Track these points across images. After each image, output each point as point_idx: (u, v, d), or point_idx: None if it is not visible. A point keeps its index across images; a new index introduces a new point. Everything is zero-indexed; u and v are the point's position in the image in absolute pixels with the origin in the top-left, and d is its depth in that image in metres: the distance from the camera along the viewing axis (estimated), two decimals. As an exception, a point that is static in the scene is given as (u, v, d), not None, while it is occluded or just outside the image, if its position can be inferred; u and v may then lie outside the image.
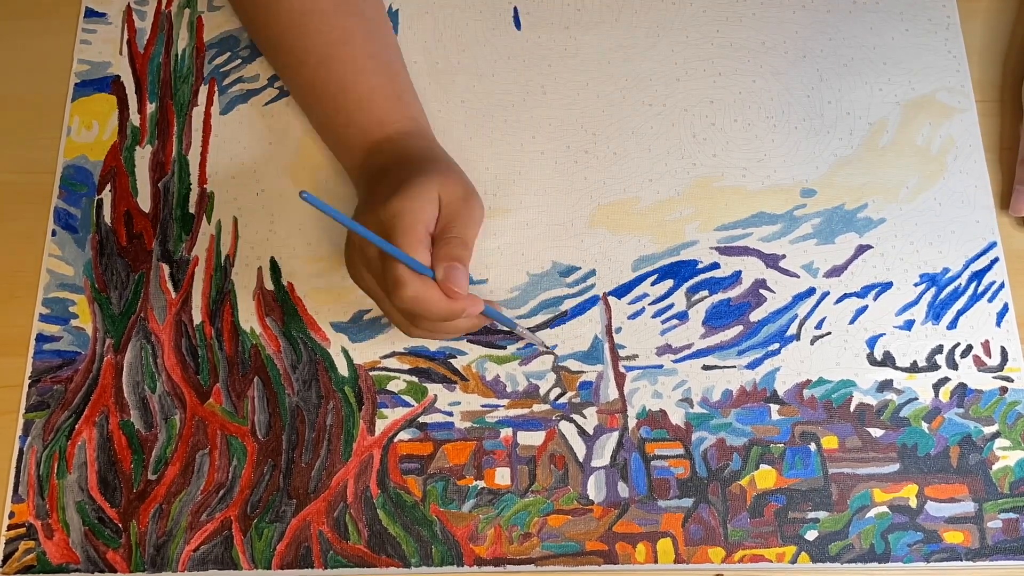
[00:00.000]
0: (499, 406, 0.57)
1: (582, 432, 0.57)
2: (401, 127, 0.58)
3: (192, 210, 0.62)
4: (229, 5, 0.66)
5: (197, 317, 0.60)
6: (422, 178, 0.52)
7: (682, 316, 0.59)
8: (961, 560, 0.54)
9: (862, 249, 0.60)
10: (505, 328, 0.58)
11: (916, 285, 0.60)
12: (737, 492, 0.56)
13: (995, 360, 0.58)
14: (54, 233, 0.61)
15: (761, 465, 0.56)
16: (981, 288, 0.60)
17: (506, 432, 0.57)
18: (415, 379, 0.58)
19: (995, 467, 0.56)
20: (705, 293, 0.60)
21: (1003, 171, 0.62)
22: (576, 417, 0.57)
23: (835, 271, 0.60)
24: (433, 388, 0.58)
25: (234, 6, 0.63)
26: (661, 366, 0.58)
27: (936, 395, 0.57)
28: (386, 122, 0.57)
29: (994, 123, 0.64)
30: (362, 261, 0.52)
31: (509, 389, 0.58)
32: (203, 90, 0.65)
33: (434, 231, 0.51)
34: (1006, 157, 0.62)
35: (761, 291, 0.60)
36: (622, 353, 0.58)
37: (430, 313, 0.49)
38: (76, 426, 0.57)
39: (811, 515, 0.55)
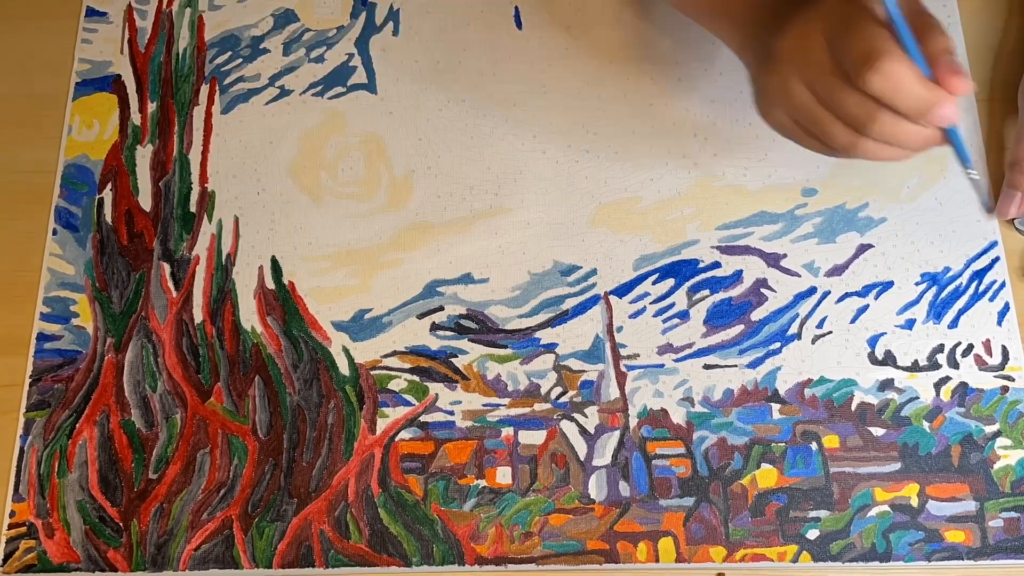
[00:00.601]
0: (500, 405, 0.57)
1: (583, 431, 0.57)
2: None
3: (193, 209, 0.62)
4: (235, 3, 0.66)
5: (198, 316, 0.59)
6: None
7: (683, 315, 0.59)
8: (962, 559, 0.54)
9: (863, 248, 0.60)
10: (958, 161, 0.50)
11: (917, 284, 0.60)
12: (738, 491, 0.55)
13: (996, 359, 0.58)
14: (55, 232, 0.61)
15: (762, 464, 0.56)
16: (982, 287, 0.60)
17: (507, 431, 0.57)
18: (416, 378, 0.58)
19: (996, 466, 0.56)
20: (706, 292, 0.60)
21: (1003, 171, 0.62)
22: (577, 416, 0.57)
23: (836, 270, 0.60)
24: (434, 387, 0.58)
25: None
26: (662, 365, 0.58)
27: (937, 394, 0.57)
28: None
29: (995, 123, 0.64)
30: (797, 69, 0.46)
31: (510, 388, 0.58)
32: (204, 89, 0.65)
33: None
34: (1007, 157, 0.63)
35: (762, 290, 0.60)
36: (623, 352, 0.58)
37: (905, 97, 0.42)
38: (77, 425, 0.57)
39: (812, 514, 0.55)
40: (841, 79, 0.44)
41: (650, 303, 0.60)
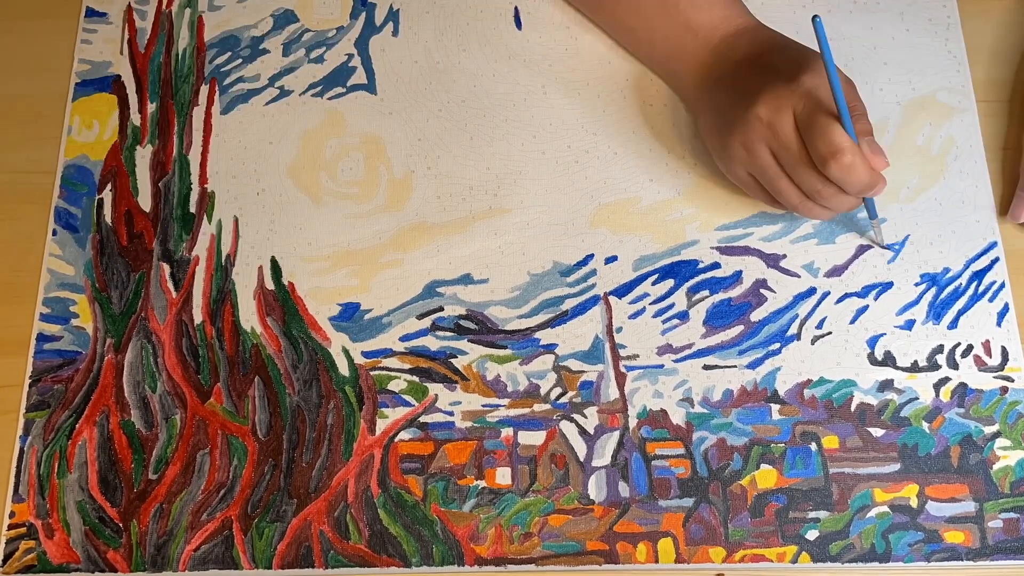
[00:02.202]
0: (500, 406, 0.57)
1: (583, 432, 0.57)
2: (744, 22, 0.60)
3: (193, 210, 0.62)
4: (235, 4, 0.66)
5: (198, 317, 0.60)
6: (816, 60, 0.54)
7: (683, 316, 0.59)
8: (962, 560, 0.54)
9: (863, 249, 0.60)
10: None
11: (917, 285, 0.60)
12: (738, 492, 0.56)
13: (995, 360, 0.58)
14: (55, 233, 0.61)
15: (762, 465, 0.56)
16: (982, 288, 0.60)
17: (507, 432, 0.57)
18: (416, 379, 0.58)
19: (996, 467, 0.56)
20: (706, 293, 0.60)
21: (1004, 172, 0.62)
22: (577, 417, 0.57)
23: (836, 271, 0.60)
24: (434, 388, 0.58)
25: None
26: (662, 366, 0.58)
27: (937, 395, 0.57)
28: (730, 16, 0.59)
29: (995, 123, 0.64)
30: (766, 137, 0.53)
31: (510, 389, 0.58)
32: (204, 90, 0.65)
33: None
34: (1009, 157, 0.62)
35: (762, 291, 0.60)
36: (623, 353, 0.58)
37: (856, 182, 0.51)
38: (77, 426, 0.57)
39: (812, 515, 0.55)
40: (804, 159, 0.52)
41: (650, 304, 0.60)
